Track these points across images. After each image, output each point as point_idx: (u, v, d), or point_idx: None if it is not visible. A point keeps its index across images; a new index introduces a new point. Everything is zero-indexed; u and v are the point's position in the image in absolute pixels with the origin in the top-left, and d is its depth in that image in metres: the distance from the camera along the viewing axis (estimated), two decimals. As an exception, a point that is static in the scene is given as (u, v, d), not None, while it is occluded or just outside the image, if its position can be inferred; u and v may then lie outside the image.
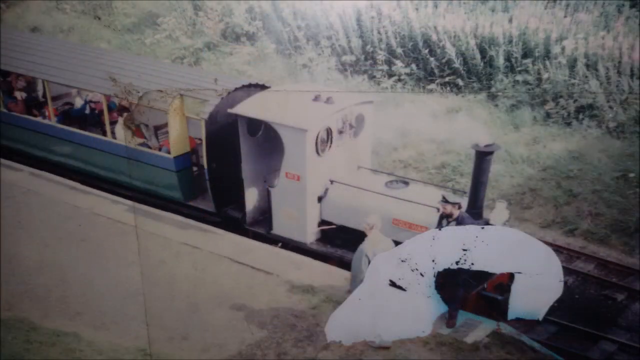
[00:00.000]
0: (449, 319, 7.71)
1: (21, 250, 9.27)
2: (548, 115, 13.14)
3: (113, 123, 11.04)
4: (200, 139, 10.16)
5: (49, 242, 9.52)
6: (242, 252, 9.35)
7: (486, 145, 8.03)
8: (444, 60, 14.31)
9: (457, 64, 14.12)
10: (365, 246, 7.48)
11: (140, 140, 10.71)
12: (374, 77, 14.81)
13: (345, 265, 8.75)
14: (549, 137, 12.73)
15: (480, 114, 13.33)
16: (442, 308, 7.44)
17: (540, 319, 7.46)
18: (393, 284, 7.04)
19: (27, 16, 19.33)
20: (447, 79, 14.32)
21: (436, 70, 14.42)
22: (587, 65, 13.18)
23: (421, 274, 7.02)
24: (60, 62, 11.52)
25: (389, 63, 14.74)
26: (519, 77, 13.72)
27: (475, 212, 8.21)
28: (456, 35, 14.17)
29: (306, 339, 7.59)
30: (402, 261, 7.00)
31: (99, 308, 8.17)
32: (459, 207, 7.79)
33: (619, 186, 11.44)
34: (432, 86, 14.36)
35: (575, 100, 13.01)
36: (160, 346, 7.54)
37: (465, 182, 11.32)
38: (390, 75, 14.68)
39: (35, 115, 12.05)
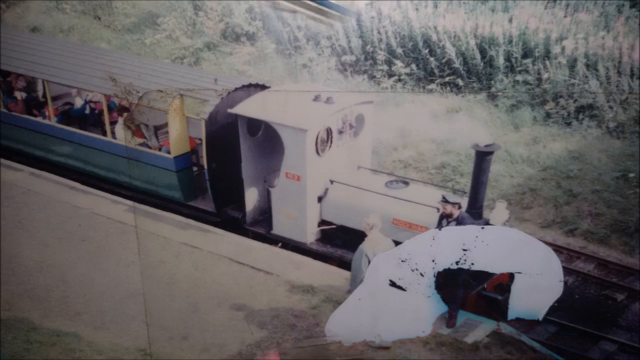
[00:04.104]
0: (449, 319, 7.71)
1: (21, 250, 9.27)
2: (548, 115, 13.14)
3: (113, 123, 11.05)
4: (200, 139, 10.16)
5: (49, 242, 9.52)
6: (242, 252, 9.35)
7: (486, 145, 8.04)
8: (444, 60, 14.30)
9: (457, 64, 14.11)
10: (365, 246, 7.48)
11: (140, 140, 10.71)
12: (374, 77, 14.80)
13: (345, 265, 8.75)
14: (549, 137, 12.72)
15: (480, 114, 13.32)
16: (442, 308, 7.44)
17: (540, 319, 7.45)
18: (393, 284, 7.04)
19: (27, 16, 19.32)
20: (447, 79, 14.31)
21: (436, 70, 14.41)
22: (587, 65, 13.17)
23: (421, 274, 7.02)
24: (60, 62, 11.51)
25: (389, 63, 14.73)
26: (519, 77, 13.70)
27: (475, 212, 8.22)
28: (456, 35, 14.17)
29: (306, 339, 7.59)
30: (402, 261, 7.00)
31: (99, 308, 8.17)
32: (459, 207, 7.79)
33: (619, 186, 11.43)
34: (432, 86, 14.35)
35: (575, 100, 13.00)
36: (160, 346, 7.54)
37: (465, 182, 11.32)
38: (390, 75, 14.67)
39: (35, 115, 12.05)
